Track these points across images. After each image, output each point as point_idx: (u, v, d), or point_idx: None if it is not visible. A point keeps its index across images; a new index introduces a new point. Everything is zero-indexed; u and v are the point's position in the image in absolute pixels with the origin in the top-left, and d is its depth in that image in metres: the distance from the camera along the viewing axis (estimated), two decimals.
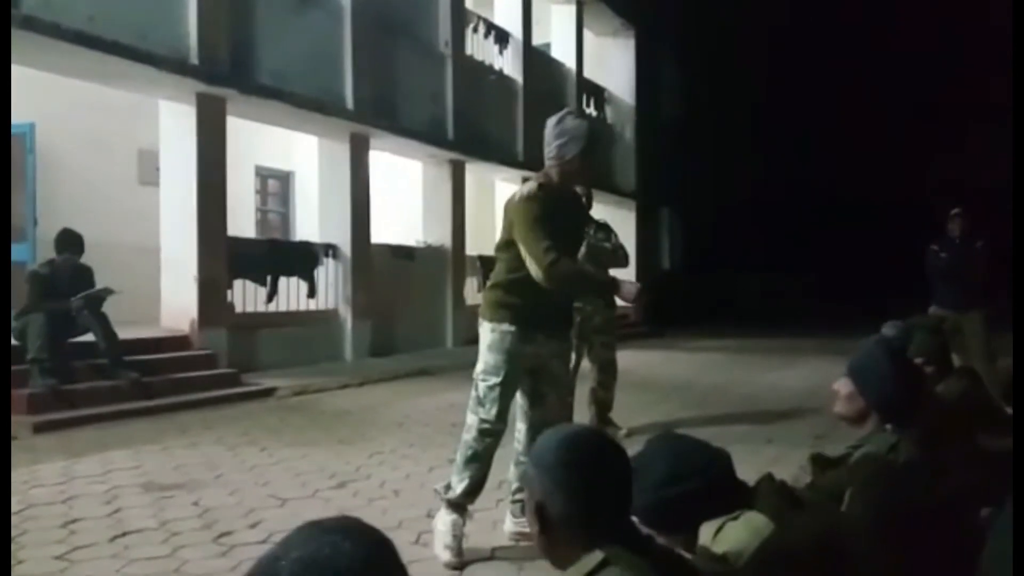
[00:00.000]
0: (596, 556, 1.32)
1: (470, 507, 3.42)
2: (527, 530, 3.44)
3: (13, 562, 3.25)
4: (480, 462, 3.32)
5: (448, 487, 3.37)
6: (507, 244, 3.34)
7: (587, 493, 1.37)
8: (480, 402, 3.31)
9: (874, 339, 2.45)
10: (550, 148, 3.27)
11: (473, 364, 3.45)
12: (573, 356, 5.36)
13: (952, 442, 2.18)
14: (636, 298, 3.18)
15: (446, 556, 3.18)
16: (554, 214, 3.21)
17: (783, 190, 23.95)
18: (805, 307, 20.46)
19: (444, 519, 3.31)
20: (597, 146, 3.40)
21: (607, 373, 5.88)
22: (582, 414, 5.52)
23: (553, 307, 3.39)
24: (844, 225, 23.80)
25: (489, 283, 3.52)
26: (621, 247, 5.92)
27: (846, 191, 24.00)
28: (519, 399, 3.44)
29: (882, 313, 3.97)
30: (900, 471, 1.94)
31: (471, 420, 3.33)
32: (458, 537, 3.26)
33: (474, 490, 3.34)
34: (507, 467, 3.62)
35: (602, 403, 5.90)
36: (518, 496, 3.47)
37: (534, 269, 3.13)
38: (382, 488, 4.46)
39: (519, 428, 3.48)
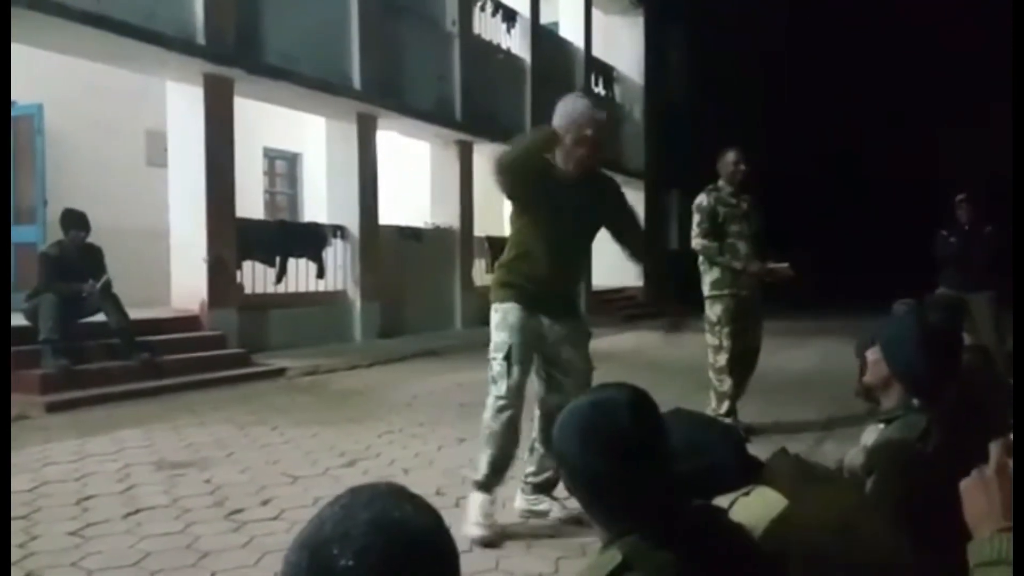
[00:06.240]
0: (613, 557, 1.19)
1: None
2: (537, 508, 3.48)
3: (27, 538, 3.29)
4: (499, 441, 3.29)
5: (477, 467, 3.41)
6: (512, 218, 3.42)
7: (593, 479, 1.26)
8: (493, 380, 3.33)
9: (907, 308, 2.37)
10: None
11: (482, 344, 3.46)
12: (727, 342, 5.23)
13: (971, 425, 2.11)
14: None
15: (475, 532, 3.22)
16: (547, 179, 3.26)
17: (786, 174, 23.81)
18: (810, 290, 20.38)
19: (473, 499, 3.35)
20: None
21: (749, 363, 5.32)
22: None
23: (554, 283, 3.36)
24: (850, 208, 23.66)
25: (496, 263, 3.57)
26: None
27: (851, 174, 23.84)
28: (536, 385, 3.45)
29: (887, 296, 3.95)
30: (927, 459, 1.87)
31: (488, 400, 3.36)
32: (489, 515, 3.30)
33: (497, 470, 3.34)
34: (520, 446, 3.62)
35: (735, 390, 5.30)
36: (531, 479, 3.49)
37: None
38: (391, 466, 4.49)
39: (536, 415, 3.49)
